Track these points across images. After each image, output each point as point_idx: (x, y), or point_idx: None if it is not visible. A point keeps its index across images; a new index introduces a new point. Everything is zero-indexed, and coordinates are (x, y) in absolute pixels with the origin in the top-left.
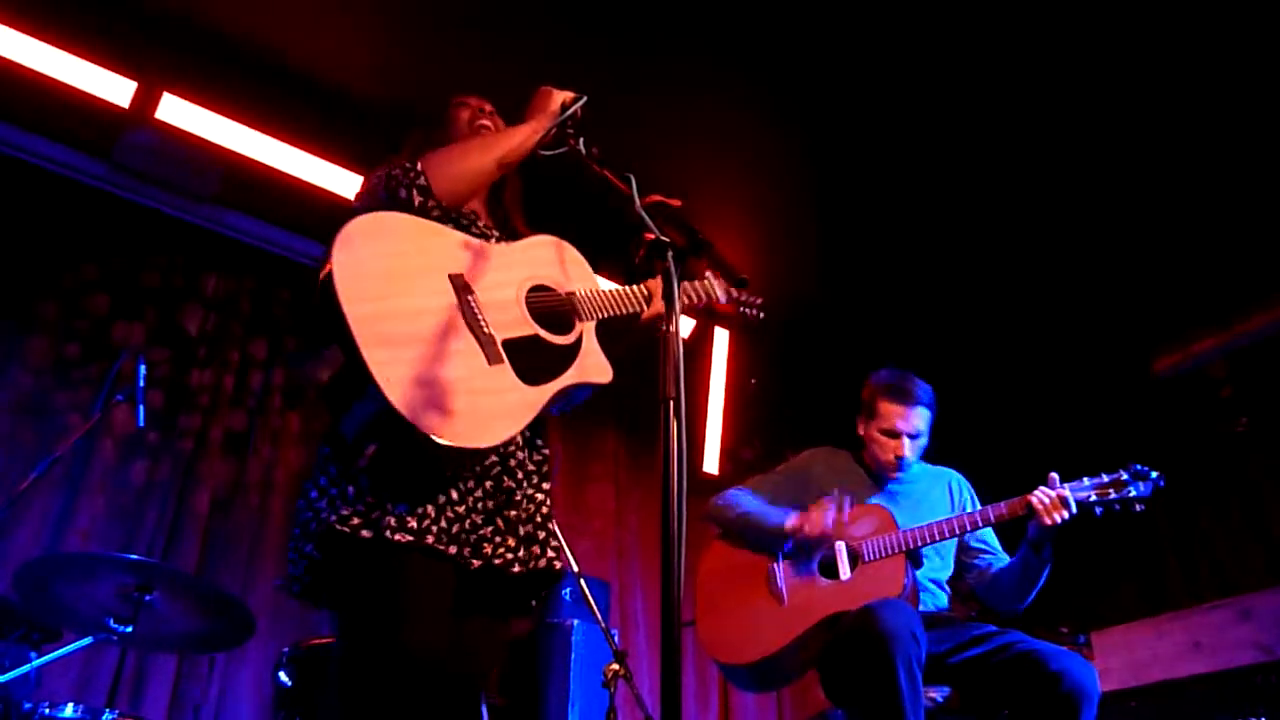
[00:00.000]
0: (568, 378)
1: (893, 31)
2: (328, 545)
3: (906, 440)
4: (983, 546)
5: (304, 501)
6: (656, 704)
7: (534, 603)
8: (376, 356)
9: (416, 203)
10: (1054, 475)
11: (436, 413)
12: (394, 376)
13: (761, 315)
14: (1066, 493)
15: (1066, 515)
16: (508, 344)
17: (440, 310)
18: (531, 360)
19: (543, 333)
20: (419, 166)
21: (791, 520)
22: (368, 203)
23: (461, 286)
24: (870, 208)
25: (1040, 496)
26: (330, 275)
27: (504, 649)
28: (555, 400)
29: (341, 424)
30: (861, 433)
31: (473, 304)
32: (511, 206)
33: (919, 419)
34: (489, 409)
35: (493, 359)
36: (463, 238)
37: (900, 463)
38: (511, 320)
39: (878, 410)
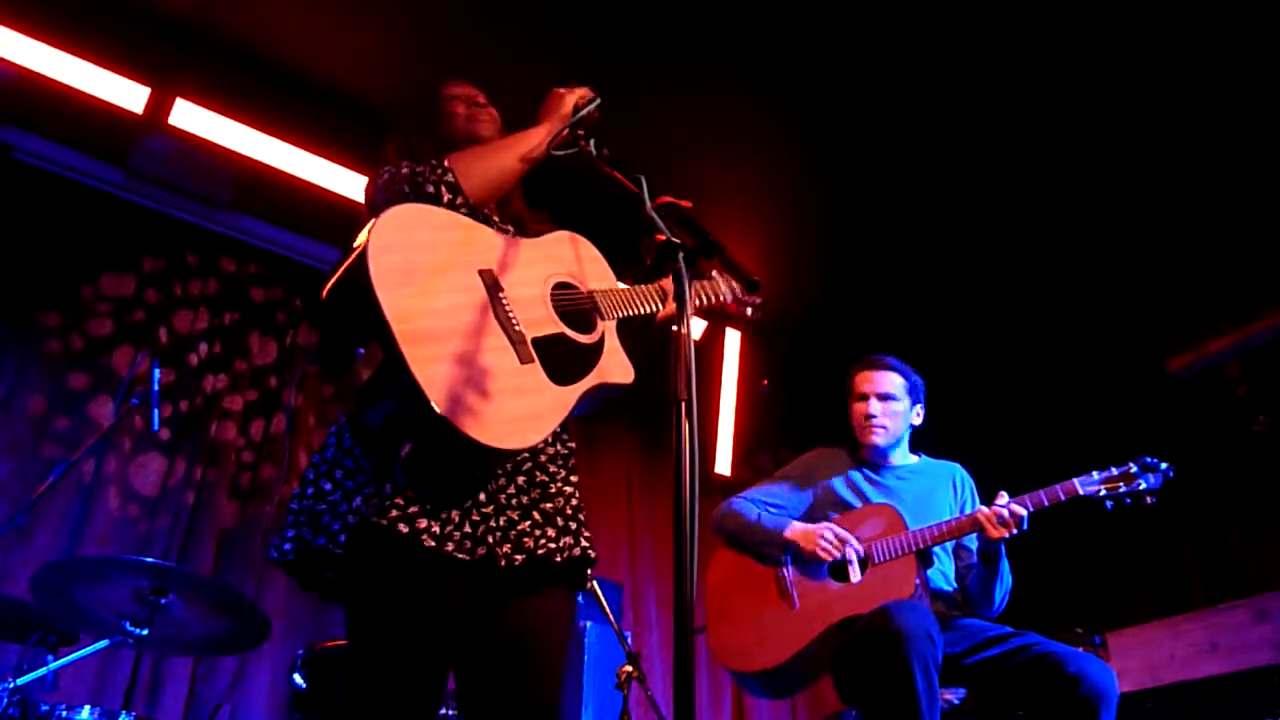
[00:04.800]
0: (594, 377)
1: (903, 31)
2: (357, 540)
3: (874, 400)
4: (970, 550)
5: (312, 490)
6: (670, 706)
7: (577, 592)
8: (417, 354)
9: (445, 199)
10: (1002, 493)
11: (474, 414)
12: (435, 376)
13: (758, 316)
14: (1019, 509)
15: (1011, 532)
16: (536, 342)
17: (474, 307)
18: (559, 359)
19: (568, 331)
20: (446, 164)
21: (790, 532)
22: (388, 200)
23: (491, 283)
24: (882, 208)
25: (980, 513)
26: (365, 265)
27: (564, 621)
28: (583, 400)
29: (369, 418)
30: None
31: (504, 301)
32: (516, 203)
33: (885, 382)
34: (523, 410)
35: (524, 358)
36: (490, 232)
37: (869, 422)
38: (539, 318)
39: (851, 383)
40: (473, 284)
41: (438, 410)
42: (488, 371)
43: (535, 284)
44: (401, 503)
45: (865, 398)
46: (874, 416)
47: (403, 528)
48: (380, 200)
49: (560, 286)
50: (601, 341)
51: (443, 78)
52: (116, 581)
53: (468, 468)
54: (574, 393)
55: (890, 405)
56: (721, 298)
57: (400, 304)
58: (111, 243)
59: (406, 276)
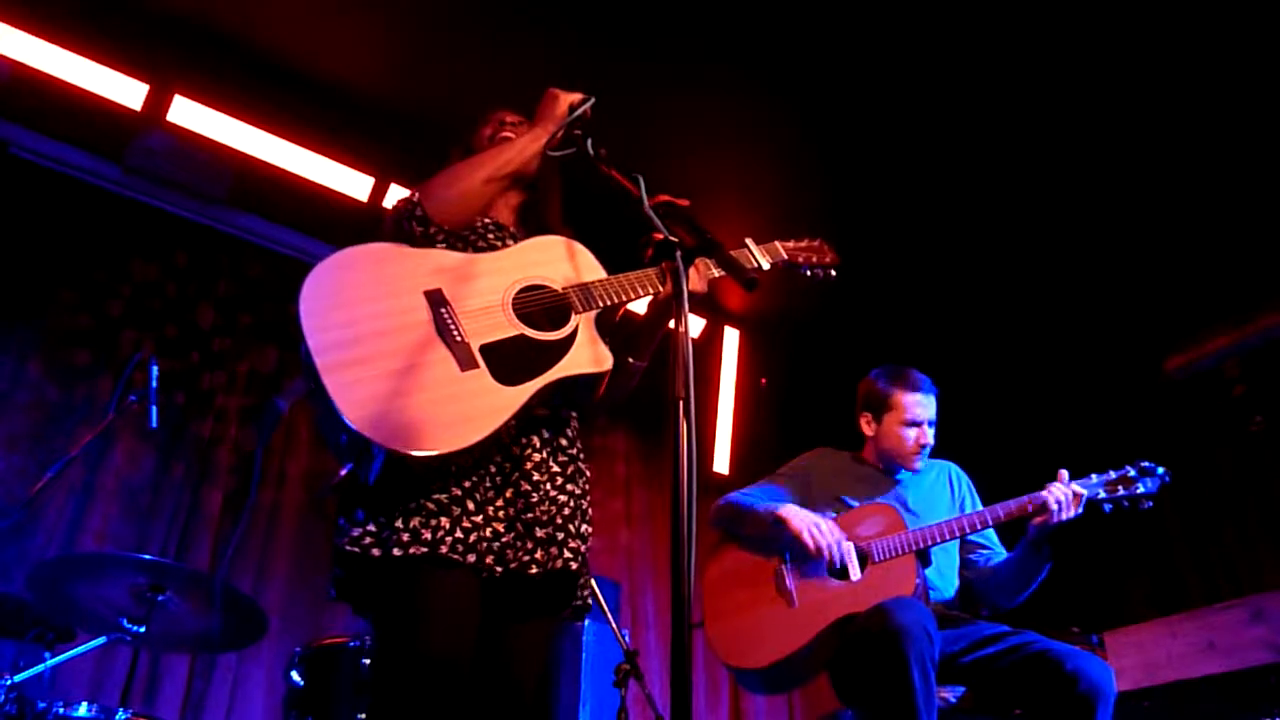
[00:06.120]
0: (554, 372)
1: (901, 32)
2: (346, 565)
3: (927, 429)
4: (983, 542)
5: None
6: (667, 703)
7: (574, 604)
8: (335, 380)
9: (418, 233)
10: (1064, 472)
11: (398, 425)
12: (353, 397)
13: (833, 274)
14: (1081, 490)
15: (1076, 512)
16: (486, 348)
17: (409, 327)
18: (515, 361)
19: (528, 331)
20: (415, 198)
21: (784, 509)
22: (386, 235)
23: (436, 301)
24: (880, 208)
25: (1055, 493)
26: (297, 312)
27: (542, 651)
28: (543, 396)
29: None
30: (871, 432)
31: (446, 315)
32: (547, 207)
33: (933, 407)
34: (457, 414)
35: (465, 364)
36: (446, 255)
37: (924, 451)
38: (492, 325)
39: (894, 403)
40: (414, 305)
41: (357, 429)
42: (420, 384)
43: (494, 292)
44: (374, 528)
45: (918, 424)
46: (927, 445)
47: (376, 551)
48: (384, 234)
49: (527, 290)
50: (573, 335)
51: (494, 104)
52: (114, 578)
53: (411, 477)
54: (524, 391)
55: (933, 431)
56: (754, 266)
57: (325, 339)
58: (109, 239)
59: (337, 314)
